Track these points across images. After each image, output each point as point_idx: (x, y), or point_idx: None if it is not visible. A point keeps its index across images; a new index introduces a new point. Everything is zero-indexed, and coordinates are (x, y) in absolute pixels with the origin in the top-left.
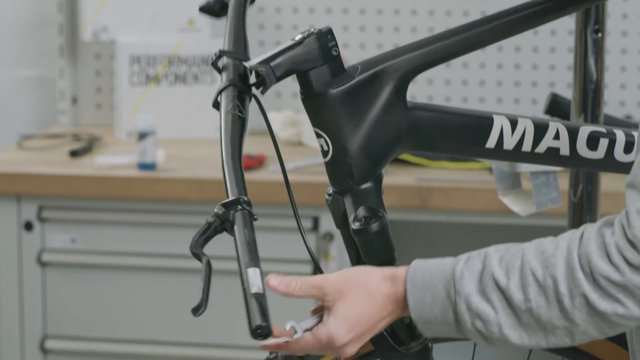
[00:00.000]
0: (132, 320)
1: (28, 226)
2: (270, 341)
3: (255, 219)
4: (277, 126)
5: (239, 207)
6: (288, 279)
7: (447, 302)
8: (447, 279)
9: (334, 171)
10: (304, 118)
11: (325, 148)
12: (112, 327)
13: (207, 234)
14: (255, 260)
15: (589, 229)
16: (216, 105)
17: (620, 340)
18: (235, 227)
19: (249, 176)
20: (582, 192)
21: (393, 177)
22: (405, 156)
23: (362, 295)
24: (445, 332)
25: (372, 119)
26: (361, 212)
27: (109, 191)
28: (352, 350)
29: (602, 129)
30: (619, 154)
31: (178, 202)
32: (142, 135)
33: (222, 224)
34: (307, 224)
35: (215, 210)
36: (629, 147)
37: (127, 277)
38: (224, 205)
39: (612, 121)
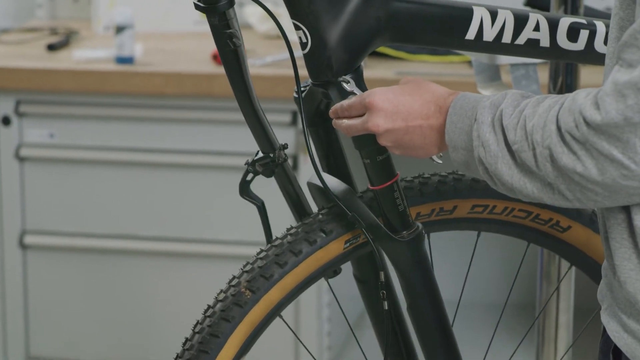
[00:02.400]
0: (111, 215)
1: (6, 121)
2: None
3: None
4: (255, 19)
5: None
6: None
7: (469, 128)
8: (474, 107)
9: (313, 63)
10: (283, 11)
11: (304, 40)
12: (91, 222)
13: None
14: None
15: (579, 91)
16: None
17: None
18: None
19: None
20: (561, 85)
21: (373, 71)
22: (385, 49)
23: (414, 85)
24: (466, 161)
25: (351, 10)
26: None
27: (87, 85)
28: (380, 120)
29: (583, 20)
30: (599, 45)
31: (156, 96)
32: (120, 29)
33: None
34: (285, 118)
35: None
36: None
37: (106, 171)
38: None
39: (592, 13)
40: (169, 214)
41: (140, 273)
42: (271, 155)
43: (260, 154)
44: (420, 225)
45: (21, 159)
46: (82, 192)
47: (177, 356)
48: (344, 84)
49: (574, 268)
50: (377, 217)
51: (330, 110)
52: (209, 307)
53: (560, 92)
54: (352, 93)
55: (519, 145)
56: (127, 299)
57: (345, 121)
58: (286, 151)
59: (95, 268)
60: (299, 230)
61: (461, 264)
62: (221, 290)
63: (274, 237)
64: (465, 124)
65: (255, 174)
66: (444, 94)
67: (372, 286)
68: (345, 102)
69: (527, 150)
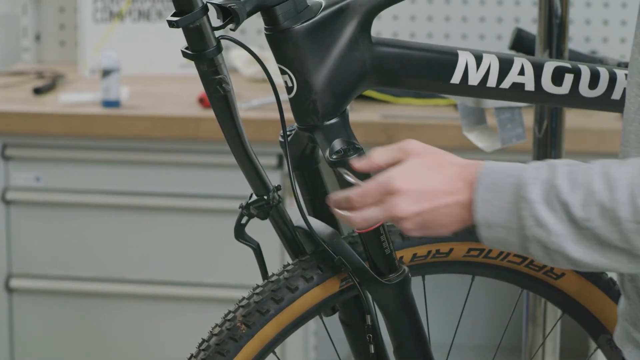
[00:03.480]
0: (97, 259)
1: None
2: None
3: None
4: (241, 63)
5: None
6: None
7: (513, 206)
8: (515, 184)
9: (299, 107)
10: (269, 55)
11: (290, 84)
12: (77, 265)
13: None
14: None
15: None
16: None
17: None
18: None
19: (211, 114)
20: (546, 128)
21: (359, 114)
22: (370, 93)
23: (437, 160)
24: (504, 239)
25: (336, 55)
26: (338, 144)
27: (73, 129)
28: (405, 204)
29: (567, 64)
30: (584, 89)
31: (142, 139)
32: (106, 73)
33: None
34: (271, 161)
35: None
36: (594, 83)
37: (92, 215)
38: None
39: (577, 56)
40: (156, 257)
41: (127, 316)
42: (265, 197)
43: (254, 197)
44: (407, 269)
45: (7, 202)
46: (68, 236)
47: None
48: (346, 175)
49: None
50: (363, 260)
51: (331, 201)
52: (203, 340)
53: (546, 135)
54: (356, 184)
55: (596, 222)
56: (114, 343)
57: (358, 213)
58: (279, 192)
59: (82, 312)
60: (296, 267)
61: (449, 307)
62: (216, 325)
63: (270, 274)
64: (504, 201)
65: (250, 216)
66: (467, 165)
67: (358, 329)
68: (354, 192)
69: (609, 226)
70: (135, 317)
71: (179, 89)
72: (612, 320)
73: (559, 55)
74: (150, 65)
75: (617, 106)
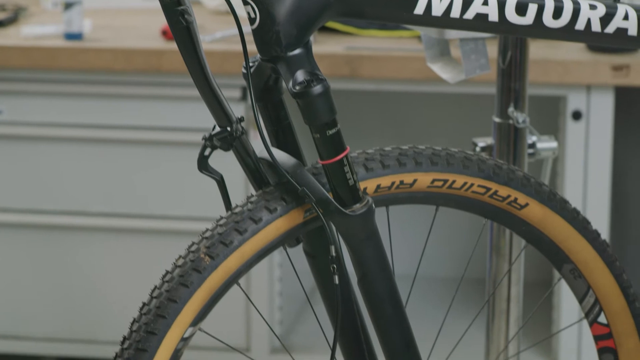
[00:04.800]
0: (60, 192)
1: None
2: None
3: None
4: None
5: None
6: None
7: None
8: None
9: (262, 39)
10: None
11: (253, 15)
12: (41, 198)
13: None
14: None
15: None
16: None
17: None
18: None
19: (174, 46)
20: (510, 59)
21: (322, 46)
22: (334, 24)
23: None
24: None
25: None
26: (301, 75)
27: (36, 62)
28: None
29: None
30: (547, 19)
31: (105, 72)
32: (68, 5)
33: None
34: (235, 93)
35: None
36: (557, 13)
37: (56, 148)
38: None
39: None
40: (119, 190)
41: (92, 249)
42: (228, 128)
43: (217, 129)
44: (371, 200)
45: None
46: (31, 169)
47: (134, 320)
48: None
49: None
50: (327, 191)
51: None
52: (167, 272)
53: (510, 66)
54: None
55: None
56: (77, 276)
57: None
58: (242, 124)
59: (44, 245)
60: (259, 198)
61: (414, 238)
62: (180, 256)
63: (233, 206)
64: None
65: (213, 148)
66: None
67: (322, 260)
68: None
69: None
70: (100, 250)
71: (141, 21)
72: (575, 250)
73: None
74: None
75: (581, 37)
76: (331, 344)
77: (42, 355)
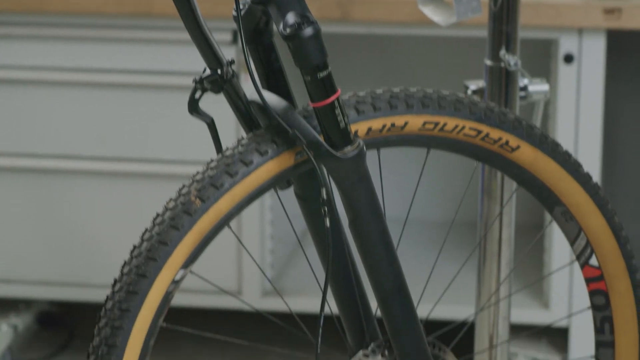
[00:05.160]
0: (53, 136)
1: None
2: None
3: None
4: None
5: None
6: None
7: None
8: None
9: None
10: None
11: None
12: (32, 142)
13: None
14: None
15: None
16: None
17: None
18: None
19: None
20: (502, 2)
21: None
22: None
23: None
24: None
25: None
26: (291, 17)
27: (26, 5)
28: None
29: None
30: None
31: (95, 15)
32: None
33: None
34: (226, 37)
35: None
36: None
37: (45, 91)
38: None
39: None
40: (111, 134)
41: (81, 193)
42: (219, 71)
43: (208, 71)
44: (362, 142)
45: None
46: (22, 112)
47: (125, 263)
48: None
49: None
50: (318, 134)
51: None
52: (158, 215)
53: (502, 9)
54: None
55: None
56: (69, 220)
57: None
58: (233, 67)
59: (36, 189)
60: (250, 140)
61: (405, 181)
62: (171, 199)
63: (224, 149)
64: None
65: (204, 91)
66: None
67: (313, 203)
68: None
69: None
70: (91, 193)
71: None
72: (567, 193)
73: None
74: None
75: None
76: (322, 287)
77: (34, 299)
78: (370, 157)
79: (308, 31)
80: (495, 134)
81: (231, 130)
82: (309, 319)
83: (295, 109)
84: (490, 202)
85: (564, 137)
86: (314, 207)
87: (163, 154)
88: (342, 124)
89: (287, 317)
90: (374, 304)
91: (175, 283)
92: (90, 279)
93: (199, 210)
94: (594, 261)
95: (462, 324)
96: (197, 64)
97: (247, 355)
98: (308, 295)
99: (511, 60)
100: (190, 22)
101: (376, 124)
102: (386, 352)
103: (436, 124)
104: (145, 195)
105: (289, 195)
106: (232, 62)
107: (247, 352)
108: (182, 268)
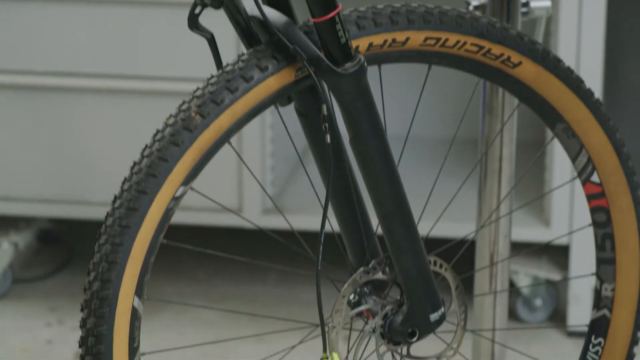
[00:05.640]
0: (50, 52)
1: None
2: None
3: None
4: None
5: None
6: None
7: None
8: None
9: None
10: None
11: None
12: (29, 59)
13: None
14: None
15: None
16: None
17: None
18: None
19: None
20: None
21: None
22: None
23: None
24: None
25: None
26: None
27: None
28: None
29: None
30: None
31: None
32: None
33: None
34: None
35: None
36: None
37: (44, 7)
38: None
39: None
40: (109, 50)
41: (81, 110)
42: None
43: None
44: (363, 58)
45: None
46: (19, 29)
47: (125, 180)
48: None
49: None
50: (319, 50)
51: None
52: (158, 131)
53: None
54: None
55: None
56: (68, 137)
57: None
58: None
59: (34, 106)
60: (251, 56)
61: (406, 98)
62: (171, 115)
63: (224, 64)
64: None
65: (204, 6)
66: None
67: (314, 120)
68: None
69: None
70: (91, 110)
71: None
72: (568, 109)
73: None
74: None
75: None
76: (323, 205)
77: (34, 217)
78: (371, 73)
79: None
80: (496, 49)
81: (231, 46)
82: (310, 237)
83: (296, 24)
84: (492, 119)
85: (565, 53)
86: (314, 123)
87: (163, 70)
88: (343, 40)
89: (288, 235)
90: (375, 221)
91: (176, 200)
92: (90, 196)
93: (199, 126)
94: (595, 178)
95: (463, 241)
96: None
97: (247, 273)
98: (309, 213)
99: None
100: None
101: (377, 39)
102: (387, 269)
103: (437, 39)
104: (145, 112)
105: (289, 111)
106: None
107: (248, 269)
108: (182, 185)
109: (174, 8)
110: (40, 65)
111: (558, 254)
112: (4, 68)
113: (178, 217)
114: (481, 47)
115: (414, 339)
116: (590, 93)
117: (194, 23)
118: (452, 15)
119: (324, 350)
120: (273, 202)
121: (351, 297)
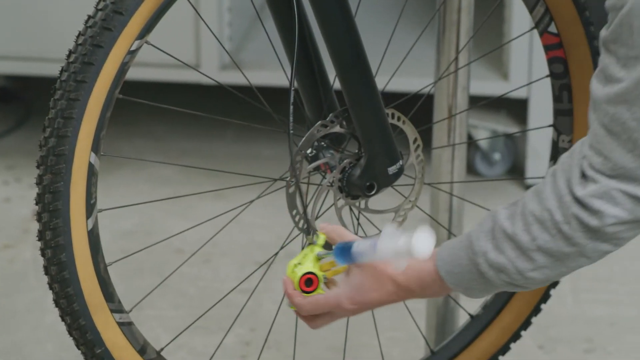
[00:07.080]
0: None
1: None
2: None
3: None
4: None
5: None
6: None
7: (471, 265)
8: (466, 246)
9: None
10: None
11: None
12: None
13: None
14: None
15: (563, 155)
16: None
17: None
18: None
19: None
20: None
21: None
22: None
23: (371, 276)
24: (485, 289)
25: None
26: None
27: None
28: (347, 314)
29: None
30: None
31: None
32: None
33: None
34: None
35: None
36: None
37: None
38: None
39: None
40: None
41: None
42: None
43: None
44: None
45: None
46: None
47: (80, 34)
48: None
49: None
50: None
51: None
52: (89, 17)
53: None
54: None
55: (541, 239)
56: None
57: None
58: None
59: None
60: None
61: None
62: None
63: None
64: (462, 265)
65: None
66: (403, 280)
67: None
68: (307, 303)
69: (552, 236)
70: None
71: None
72: None
73: None
74: None
75: None
76: (280, 60)
77: None
78: None
79: None
80: None
81: None
82: (267, 92)
83: None
84: None
85: None
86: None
87: None
88: None
89: (246, 90)
90: (332, 75)
91: (132, 53)
92: (46, 52)
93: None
94: (552, 28)
95: (421, 94)
96: None
97: (205, 129)
98: (266, 69)
99: None
100: None
101: None
102: (344, 123)
103: None
104: None
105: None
106: None
107: (206, 124)
108: (137, 38)
109: None
110: None
111: (517, 108)
112: None
113: (135, 73)
114: None
115: (372, 192)
116: None
117: None
118: None
119: (307, 234)
120: (231, 57)
121: (309, 151)
